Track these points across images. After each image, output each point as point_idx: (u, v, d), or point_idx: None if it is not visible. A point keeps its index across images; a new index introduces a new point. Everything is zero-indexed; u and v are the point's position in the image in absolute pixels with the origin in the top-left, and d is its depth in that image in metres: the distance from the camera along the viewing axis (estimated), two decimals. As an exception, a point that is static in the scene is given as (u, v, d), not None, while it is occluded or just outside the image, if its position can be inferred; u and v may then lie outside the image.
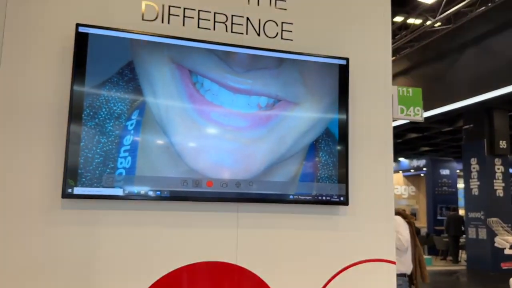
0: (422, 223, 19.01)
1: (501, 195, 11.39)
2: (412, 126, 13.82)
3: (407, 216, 4.20)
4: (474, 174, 11.73)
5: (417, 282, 4.09)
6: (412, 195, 22.63)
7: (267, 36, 2.41)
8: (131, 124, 2.06)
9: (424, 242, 14.44)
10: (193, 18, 2.30)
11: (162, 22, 2.25)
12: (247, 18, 2.39)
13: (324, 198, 2.30)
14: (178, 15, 2.28)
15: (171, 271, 2.10)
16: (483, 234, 11.17)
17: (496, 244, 7.06)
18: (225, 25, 2.35)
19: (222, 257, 2.18)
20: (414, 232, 4.20)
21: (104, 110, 2.03)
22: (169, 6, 2.27)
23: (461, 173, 14.92)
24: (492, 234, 8.35)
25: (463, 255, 13.32)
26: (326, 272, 2.32)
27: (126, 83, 2.08)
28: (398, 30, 10.94)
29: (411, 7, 10.10)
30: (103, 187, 1.99)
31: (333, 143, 2.35)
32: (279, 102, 2.28)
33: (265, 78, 2.28)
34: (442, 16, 9.67)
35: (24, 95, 2.01)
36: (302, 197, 2.27)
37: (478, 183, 11.61)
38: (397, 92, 2.66)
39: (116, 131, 2.04)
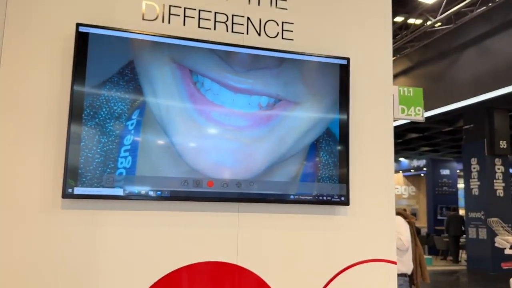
0: (422, 223, 19.02)
1: (501, 195, 11.39)
2: (412, 126, 13.82)
3: (408, 216, 4.21)
4: (474, 174, 11.73)
5: (417, 282, 4.09)
6: (412, 195, 22.64)
7: (267, 36, 2.41)
8: (132, 124, 2.06)
9: (424, 242, 14.45)
10: (193, 17, 2.30)
11: (163, 21, 2.25)
12: (248, 18, 2.39)
13: (325, 198, 2.30)
14: (179, 15, 2.28)
15: (171, 271, 2.10)
16: (483, 234, 11.18)
17: (496, 244, 7.05)
18: (226, 24, 2.35)
19: (222, 257, 2.18)
20: (415, 232, 4.20)
21: (104, 110, 2.03)
22: (170, 6, 2.27)
23: (461, 173, 14.93)
24: (492, 234, 8.35)
25: (463, 255, 13.33)
26: (327, 272, 2.31)
27: (126, 83, 2.07)
28: (398, 30, 10.94)
29: (412, 7, 10.10)
30: (104, 187, 1.99)
31: (334, 143, 2.35)
32: (279, 102, 2.28)
33: (266, 77, 2.27)
34: (442, 16, 9.66)
35: (24, 95, 2.00)
36: (303, 197, 2.27)
37: (478, 183, 11.61)
38: (398, 92, 2.66)
39: (116, 131, 2.03)
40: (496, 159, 11.50)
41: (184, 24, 2.28)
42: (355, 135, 2.43)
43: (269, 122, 2.25)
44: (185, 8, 2.29)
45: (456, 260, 13.22)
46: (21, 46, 2.03)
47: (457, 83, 10.70)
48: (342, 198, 2.32)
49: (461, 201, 15.58)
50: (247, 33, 2.38)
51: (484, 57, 9.93)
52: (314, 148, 2.31)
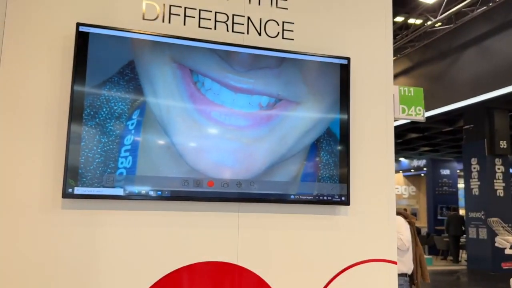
0: (422, 223, 19.02)
1: (502, 195, 11.39)
2: (412, 126, 13.82)
3: (408, 216, 4.20)
4: (475, 174, 11.73)
5: (418, 282, 4.08)
6: (412, 195, 22.65)
7: (268, 35, 2.40)
8: (132, 124, 2.06)
9: (424, 242, 14.45)
10: (194, 17, 2.30)
11: (163, 21, 2.25)
12: (248, 18, 2.39)
13: (325, 198, 2.30)
14: (179, 15, 2.28)
15: (171, 271, 2.09)
16: (483, 234, 11.18)
17: (496, 244, 7.05)
18: (226, 24, 2.35)
19: (223, 257, 2.18)
20: (415, 232, 4.20)
21: (104, 109, 2.03)
22: (170, 6, 2.27)
23: (462, 173, 14.93)
24: (492, 234, 8.34)
25: (463, 255, 13.33)
26: (328, 272, 2.31)
27: (126, 83, 2.07)
28: (399, 30, 10.94)
29: (412, 7, 10.10)
30: (104, 187, 1.99)
31: (334, 143, 2.34)
32: (280, 102, 2.28)
33: (266, 77, 2.27)
34: (443, 16, 9.66)
35: (24, 95, 2.00)
36: (303, 197, 2.27)
37: (478, 183, 11.61)
38: (399, 91, 2.66)
39: (116, 130, 2.03)
40: (496, 159, 11.50)
41: (184, 24, 2.28)
42: (356, 135, 2.42)
43: (270, 122, 2.25)
44: (185, 8, 2.29)
45: (456, 260, 13.22)
46: (21, 45, 2.03)
47: (457, 83, 10.70)
48: (343, 198, 2.32)
49: (461, 201, 15.58)
50: (248, 33, 2.37)
51: (484, 57, 9.93)
52: (314, 148, 2.31)
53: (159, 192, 2.07)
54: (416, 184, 22.79)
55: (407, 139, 15.86)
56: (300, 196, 2.26)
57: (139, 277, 2.05)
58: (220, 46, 2.23)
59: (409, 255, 4.02)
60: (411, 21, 10.66)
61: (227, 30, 2.34)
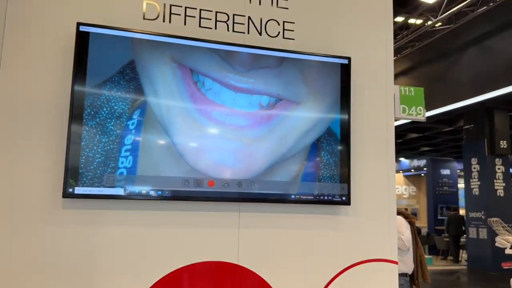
0: (422, 223, 19.01)
1: (502, 195, 11.38)
2: (412, 126, 13.81)
3: (409, 216, 4.20)
4: (475, 174, 11.72)
5: (418, 282, 4.08)
6: (412, 195, 22.64)
7: (268, 35, 2.40)
8: (133, 124, 2.06)
9: (424, 242, 14.44)
10: (194, 17, 2.30)
11: (164, 21, 2.25)
12: (249, 17, 2.38)
13: (326, 198, 2.30)
14: (180, 14, 2.28)
15: (172, 271, 2.09)
16: (483, 234, 11.17)
17: (496, 244, 7.05)
18: (227, 24, 2.35)
19: (223, 257, 2.17)
20: (416, 232, 4.19)
21: (105, 109, 2.02)
22: (171, 5, 2.27)
23: (462, 173, 14.92)
24: (492, 234, 8.34)
25: (463, 255, 13.32)
26: (328, 272, 2.31)
27: (127, 83, 2.07)
28: (399, 30, 10.92)
29: (412, 7, 10.09)
30: (104, 186, 1.99)
31: (335, 143, 2.34)
32: (280, 101, 2.28)
33: (267, 77, 2.27)
34: (443, 16, 9.65)
35: (24, 95, 2.00)
36: (304, 197, 2.27)
37: (478, 183, 11.60)
38: (399, 91, 2.66)
39: (117, 130, 2.03)
40: (497, 159, 11.50)
41: (185, 24, 2.28)
42: (356, 135, 2.42)
43: (270, 122, 2.25)
44: (186, 8, 2.29)
45: (456, 260, 13.21)
46: (21, 45, 2.02)
47: (457, 83, 10.69)
48: (343, 198, 2.32)
49: (462, 201, 15.57)
50: (248, 33, 2.37)
51: (484, 57, 9.92)
52: (315, 147, 2.31)
53: (160, 192, 2.07)
54: (416, 184, 22.78)
55: (407, 139, 15.86)
56: (301, 196, 2.26)
57: (140, 277, 2.05)
58: (221, 46, 2.22)
59: (410, 255, 4.01)
60: (412, 21, 10.64)
61: (228, 30, 2.34)
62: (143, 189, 2.05)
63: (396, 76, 12.15)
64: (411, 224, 4.13)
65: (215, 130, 2.17)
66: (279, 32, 2.42)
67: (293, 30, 2.44)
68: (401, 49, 11.74)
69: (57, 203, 1.98)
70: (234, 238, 2.20)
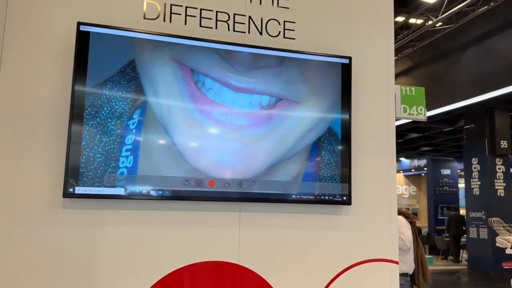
0: (423, 223, 19.00)
1: (502, 194, 11.37)
2: (413, 126, 13.80)
3: (410, 215, 4.19)
4: (475, 174, 11.72)
5: (419, 281, 4.08)
6: (413, 195, 22.63)
7: (269, 35, 2.40)
8: (133, 123, 2.05)
9: (425, 241, 14.42)
10: (195, 16, 2.29)
11: (164, 20, 2.24)
12: (249, 17, 2.38)
13: (326, 198, 2.29)
14: (180, 14, 2.27)
15: (172, 271, 2.09)
16: (484, 233, 11.16)
17: (497, 244, 7.05)
18: (227, 23, 2.34)
19: (224, 257, 2.17)
20: (416, 232, 4.18)
21: (105, 109, 2.02)
22: (171, 5, 2.26)
23: (462, 173, 14.91)
24: (493, 234, 8.34)
25: (464, 254, 13.31)
26: (329, 272, 2.31)
27: (127, 82, 2.07)
28: (399, 29, 10.92)
29: (413, 6, 10.08)
30: (105, 186, 1.98)
31: (336, 143, 2.34)
32: (281, 101, 2.27)
33: (267, 76, 2.27)
34: (444, 15, 9.64)
35: (25, 94, 2.00)
36: (305, 197, 2.26)
37: (479, 183, 11.59)
38: (400, 91, 2.65)
39: (117, 130, 2.03)
40: (497, 159, 11.49)
41: (185, 23, 2.27)
42: (357, 134, 2.42)
43: (270, 121, 2.24)
44: (186, 7, 2.28)
45: (457, 260, 13.20)
46: (22, 45, 2.02)
47: (458, 82, 10.68)
48: (344, 198, 2.32)
49: (462, 201, 15.56)
50: (249, 32, 2.37)
51: (485, 56, 9.91)
52: (315, 147, 2.31)
53: (160, 192, 2.06)
54: (416, 184, 22.77)
55: (408, 139, 15.85)
56: (302, 196, 2.26)
57: (140, 277, 2.05)
58: (221, 46, 2.22)
59: (411, 255, 4.00)
60: (412, 21, 10.64)
61: (228, 30, 2.34)
62: (144, 189, 2.04)
63: (397, 76, 12.13)
64: (412, 224, 4.12)
65: (216, 130, 2.16)
66: (279, 32, 2.42)
67: (293, 30, 2.44)
68: (402, 49, 11.74)
69: (58, 203, 1.97)
70: (234, 238, 2.20)
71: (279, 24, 2.42)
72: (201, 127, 2.14)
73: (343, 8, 2.56)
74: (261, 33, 2.39)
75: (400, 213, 3.89)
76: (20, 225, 1.93)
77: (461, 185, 17.18)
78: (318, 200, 2.29)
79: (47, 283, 1.93)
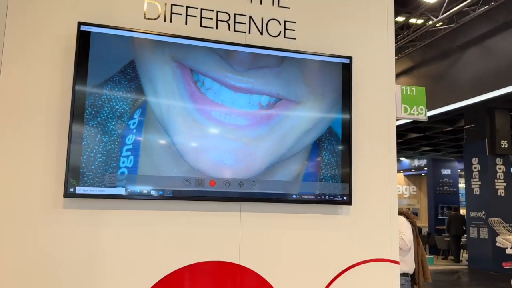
0: (423, 223, 19.00)
1: (503, 194, 11.37)
2: (413, 126, 13.79)
3: (410, 215, 4.19)
4: (476, 173, 11.71)
5: (419, 281, 4.08)
6: (413, 194, 22.63)
7: (269, 34, 2.40)
8: (133, 123, 2.05)
9: (425, 241, 14.42)
10: (195, 16, 2.29)
11: (165, 20, 2.24)
12: (250, 17, 2.38)
13: (327, 197, 2.29)
14: (181, 14, 2.27)
15: (173, 271, 2.09)
16: (484, 233, 11.16)
17: (497, 244, 7.05)
18: (228, 23, 2.34)
19: (225, 256, 2.17)
20: (417, 231, 4.18)
21: (106, 109, 2.02)
22: (172, 5, 2.26)
23: (462, 173, 14.90)
24: (493, 234, 8.34)
25: (464, 254, 13.31)
26: (330, 272, 2.31)
27: (128, 82, 2.07)
28: (400, 29, 10.92)
29: (413, 6, 10.08)
30: (105, 186, 1.99)
31: (336, 143, 2.34)
32: (280, 101, 2.27)
33: (267, 76, 2.27)
34: (444, 15, 9.64)
35: (26, 94, 2.00)
36: (305, 197, 2.26)
37: (479, 182, 11.59)
38: (401, 91, 2.65)
39: (118, 130, 2.03)
40: (497, 159, 11.48)
41: (186, 23, 2.27)
42: (358, 134, 2.42)
43: (270, 121, 2.24)
44: (187, 7, 2.28)
45: (457, 260, 13.20)
46: (22, 45, 2.02)
47: (458, 82, 10.68)
48: (345, 198, 2.32)
49: (462, 201, 15.56)
50: (249, 32, 2.37)
51: (485, 56, 9.91)
52: (316, 147, 2.31)
53: (161, 192, 2.06)
54: (417, 184, 22.77)
55: (408, 138, 15.84)
56: (302, 196, 2.26)
57: (141, 277, 2.05)
58: (222, 45, 2.22)
59: (411, 255, 4.01)
60: (413, 20, 10.64)
61: (229, 29, 2.34)
62: (144, 188, 2.05)
63: (397, 75, 12.12)
64: (413, 224, 4.12)
65: (215, 130, 2.16)
66: (280, 32, 2.42)
67: (294, 30, 2.44)
68: (402, 49, 11.74)
69: (58, 203, 1.97)
70: (235, 238, 2.20)
71: (280, 24, 2.42)
72: (201, 127, 2.14)
73: (344, 8, 2.56)
74: (261, 33, 2.39)
75: (400, 213, 3.90)
76: (21, 224, 1.93)
77: (462, 185, 17.18)
78: (319, 200, 2.29)
79: (48, 283, 1.93)
